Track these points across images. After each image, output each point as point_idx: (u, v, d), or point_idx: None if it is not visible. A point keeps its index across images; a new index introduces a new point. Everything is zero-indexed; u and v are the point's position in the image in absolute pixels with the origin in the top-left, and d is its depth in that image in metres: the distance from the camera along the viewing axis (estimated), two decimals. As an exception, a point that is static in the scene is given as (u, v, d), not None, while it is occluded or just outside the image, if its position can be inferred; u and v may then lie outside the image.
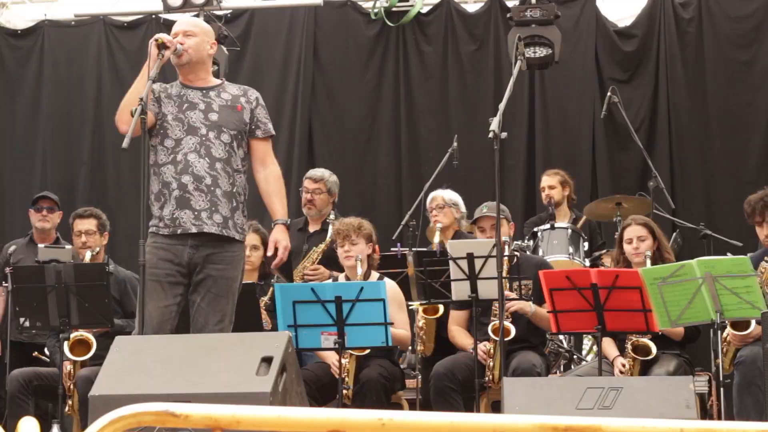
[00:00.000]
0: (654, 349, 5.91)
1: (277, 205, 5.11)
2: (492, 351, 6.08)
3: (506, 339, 5.88)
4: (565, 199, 8.12)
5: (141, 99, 4.75)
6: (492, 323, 6.08)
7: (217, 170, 4.95)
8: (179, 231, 4.93)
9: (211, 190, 4.94)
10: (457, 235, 7.26)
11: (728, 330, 5.73)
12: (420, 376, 6.59)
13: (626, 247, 6.13)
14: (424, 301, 6.41)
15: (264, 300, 6.27)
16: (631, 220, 6.23)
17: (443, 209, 7.36)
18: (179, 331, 5.02)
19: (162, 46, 4.88)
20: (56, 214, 7.50)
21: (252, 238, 6.42)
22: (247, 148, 5.11)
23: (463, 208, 7.44)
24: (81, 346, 6.37)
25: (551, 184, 8.12)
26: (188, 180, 4.93)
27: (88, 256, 6.63)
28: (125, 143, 4.69)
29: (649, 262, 5.91)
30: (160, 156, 4.99)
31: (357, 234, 6.25)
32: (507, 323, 5.91)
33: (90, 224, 6.85)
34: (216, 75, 8.83)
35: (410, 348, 6.89)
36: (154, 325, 4.86)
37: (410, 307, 6.66)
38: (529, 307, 6.20)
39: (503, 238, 6.04)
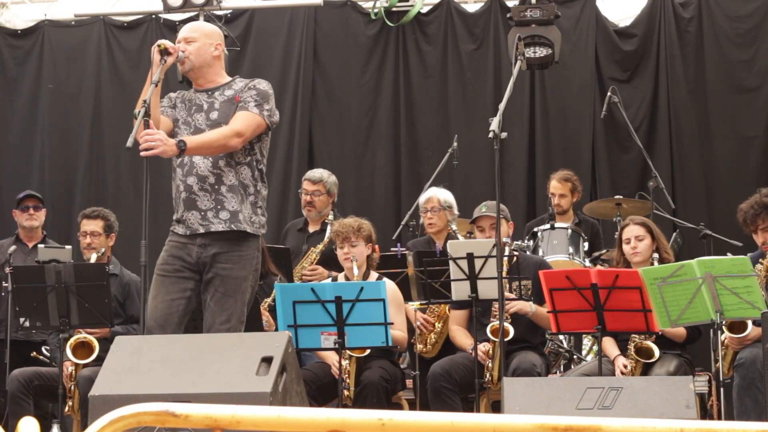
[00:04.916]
0: (657, 353, 5.90)
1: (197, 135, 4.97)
2: (491, 352, 6.07)
3: (505, 339, 5.86)
4: (572, 205, 8.04)
5: (144, 101, 4.78)
6: (491, 324, 6.07)
7: (220, 167, 4.99)
8: (188, 232, 5.00)
9: (216, 188, 4.98)
10: (448, 238, 7.09)
11: (725, 333, 5.73)
12: (419, 374, 6.60)
13: (625, 248, 6.15)
14: (424, 301, 6.40)
15: (267, 301, 6.26)
16: (629, 221, 6.24)
17: (438, 212, 7.20)
18: (189, 331, 5.04)
19: (164, 52, 4.91)
20: (42, 212, 7.51)
21: None
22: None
23: (456, 211, 7.28)
24: (84, 348, 6.37)
25: (562, 192, 7.92)
26: (193, 181, 4.99)
27: (93, 257, 6.60)
28: (129, 142, 4.71)
29: (656, 263, 5.91)
30: (174, 160, 5.06)
31: (357, 236, 6.24)
32: (506, 324, 5.90)
33: (96, 225, 6.81)
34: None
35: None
36: (159, 318, 4.89)
37: (412, 306, 6.65)
38: (529, 307, 6.20)
39: (503, 239, 6.02)
